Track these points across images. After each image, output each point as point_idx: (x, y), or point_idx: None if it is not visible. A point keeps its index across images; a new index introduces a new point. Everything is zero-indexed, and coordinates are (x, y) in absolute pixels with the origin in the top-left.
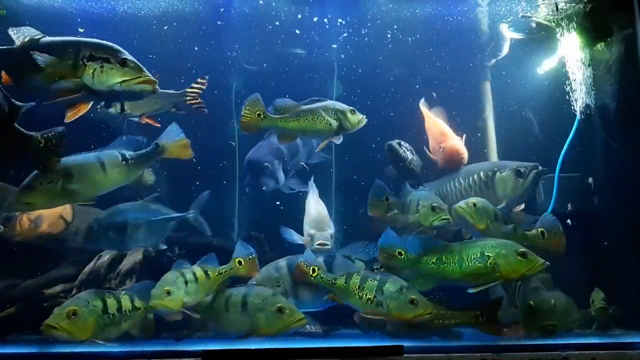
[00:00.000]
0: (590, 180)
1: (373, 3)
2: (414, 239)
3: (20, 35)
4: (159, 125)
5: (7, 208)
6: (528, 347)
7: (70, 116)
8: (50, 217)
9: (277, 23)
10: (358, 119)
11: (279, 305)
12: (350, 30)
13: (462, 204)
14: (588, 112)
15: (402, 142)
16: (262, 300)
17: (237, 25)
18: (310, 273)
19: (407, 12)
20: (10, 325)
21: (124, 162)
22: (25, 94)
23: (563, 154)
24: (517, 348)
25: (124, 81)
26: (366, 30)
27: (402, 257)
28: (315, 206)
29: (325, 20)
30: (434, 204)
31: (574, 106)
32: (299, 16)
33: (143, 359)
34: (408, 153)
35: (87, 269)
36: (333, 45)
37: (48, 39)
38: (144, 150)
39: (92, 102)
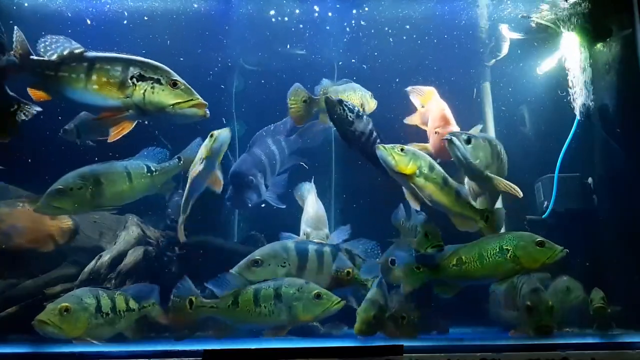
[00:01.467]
0: (590, 180)
1: (373, 3)
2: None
3: (58, 46)
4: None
5: (34, 210)
6: (528, 347)
7: (114, 135)
8: (33, 231)
9: (278, 20)
10: (374, 103)
11: (316, 291)
12: (350, 30)
13: (388, 145)
14: (588, 112)
15: (344, 101)
16: (297, 290)
17: (237, 25)
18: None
19: (407, 11)
20: (10, 325)
21: (149, 174)
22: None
23: (563, 154)
24: (517, 348)
25: (176, 104)
26: (366, 30)
27: (421, 270)
28: (312, 205)
29: (325, 20)
30: (427, 230)
31: (573, 106)
32: (299, 16)
33: (143, 359)
34: (349, 114)
35: (87, 268)
36: (333, 45)
37: (92, 53)
38: (167, 164)
39: (136, 121)
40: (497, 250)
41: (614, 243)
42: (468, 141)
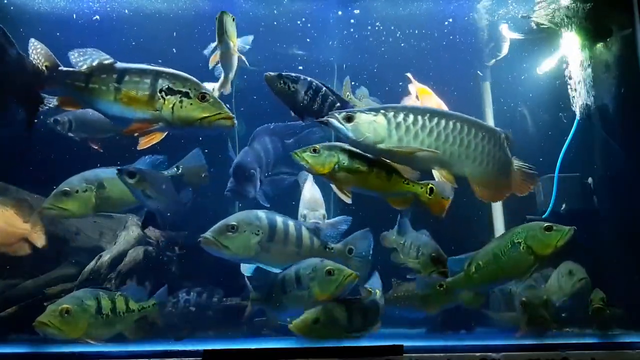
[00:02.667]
0: (590, 180)
1: (373, 2)
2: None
3: (87, 58)
4: (101, 150)
5: (39, 212)
6: (528, 347)
7: (143, 144)
8: (4, 234)
9: (278, 20)
10: None
11: (327, 268)
12: (350, 30)
13: (299, 150)
14: (588, 112)
15: (284, 73)
16: (312, 270)
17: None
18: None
19: (406, 11)
20: (10, 325)
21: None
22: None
23: (563, 154)
24: (517, 348)
25: (204, 118)
26: (365, 30)
27: (442, 287)
28: (309, 189)
29: (326, 20)
30: (434, 255)
31: (573, 106)
32: (299, 15)
33: (143, 359)
34: (291, 84)
35: (87, 268)
36: (334, 45)
37: (122, 65)
38: (167, 172)
39: (166, 132)
40: (510, 246)
41: (614, 243)
42: (349, 119)
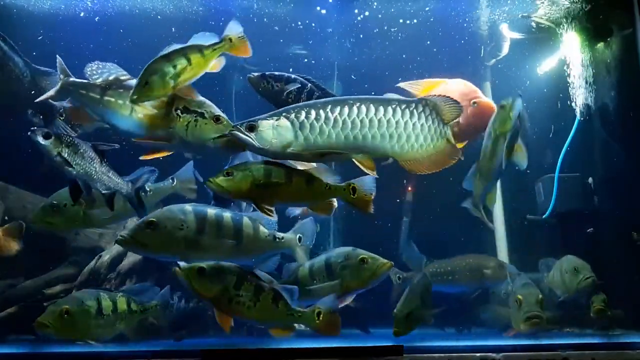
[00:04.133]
0: (590, 180)
1: (373, 3)
2: None
3: (105, 72)
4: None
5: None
6: (528, 347)
7: (147, 156)
8: None
9: (279, 19)
10: None
11: (361, 256)
12: (351, 30)
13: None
14: (588, 112)
15: (267, 73)
16: (344, 258)
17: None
18: None
19: (407, 11)
20: (10, 325)
21: (143, 194)
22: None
23: (563, 154)
24: (517, 348)
25: (217, 138)
26: (366, 30)
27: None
28: None
29: (327, 20)
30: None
31: (574, 106)
32: (300, 15)
33: (143, 359)
34: (274, 83)
35: (87, 269)
36: (334, 45)
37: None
38: (161, 184)
39: (174, 150)
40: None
41: (614, 243)
42: (251, 128)
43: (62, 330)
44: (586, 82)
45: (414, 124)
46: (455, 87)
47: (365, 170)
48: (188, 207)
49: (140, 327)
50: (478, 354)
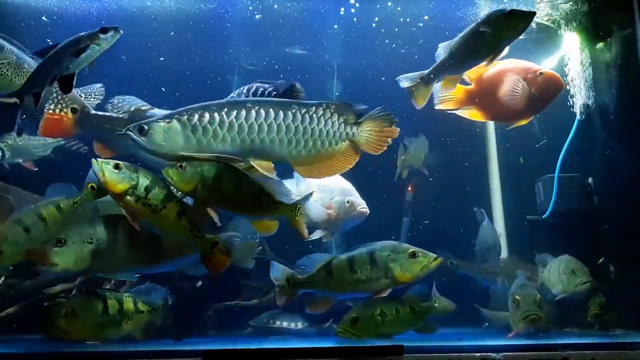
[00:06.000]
0: (590, 180)
1: (373, 3)
2: None
3: (125, 104)
4: (36, 169)
5: None
6: (528, 347)
7: None
8: None
9: (279, 19)
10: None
11: (411, 250)
12: (351, 30)
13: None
14: (588, 112)
15: (260, 83)
16: (391, 251)
17: (237, 25)
18: (289, 286)
19: (407, 10)
20: (11, 325)
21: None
22: None
23: (563, 154)
24: (517, 348)
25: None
26: (367, 30)
27: None
28: (334, 178)
29: (327, 19)
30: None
31: (573, 106)
32: (300, 15)
33: (143, 359)
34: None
35: None
36: (334, 45)
37: (158, 110)
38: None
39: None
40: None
41: (614, 243)
42: (141, 130)
43: (67, 331)
44: (586, 82)
45: (312, 129)
46: (516, 64)
47: (264, 173)
48: (98, 218)
49: (148, 326)
50: (478, 354)
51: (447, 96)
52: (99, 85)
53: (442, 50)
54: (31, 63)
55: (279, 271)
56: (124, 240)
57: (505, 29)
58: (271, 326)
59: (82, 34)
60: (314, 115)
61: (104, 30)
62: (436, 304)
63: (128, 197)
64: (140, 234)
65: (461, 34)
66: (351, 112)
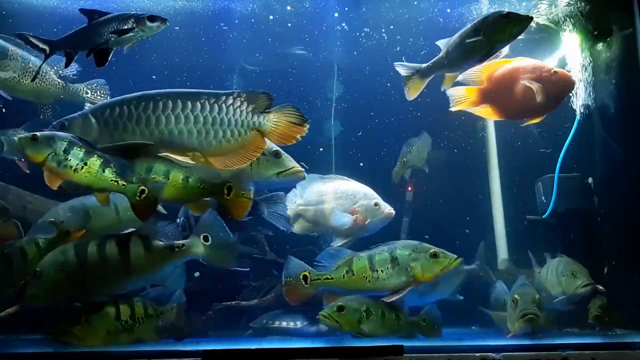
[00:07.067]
0: (590, 180)
1: (373, 2)
2: None
3: None
4: (28, 171)
5: None
6: (528, 347)
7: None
8: None
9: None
10: None
11: (432, 250)
12: (350, 30)
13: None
14: (588, 112)
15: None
16: (412, 251)
17: (237, 25)
18: (304, 283)
19: (406, 10)
20: (11, 325)
21: None
22: None
23: (563, 154)
24: (517, 348)
25: (279, 172)
26: (365, 30)
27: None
28: (349, 182)
29: (327, 19)
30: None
31: (574, 106)
32: (300, 15)
33: (143, 359)
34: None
35: None
36: (334, 45)
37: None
38: None
39: None
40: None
41: (614, 243)
42: (61, 127)
43: (81, 337)
44: (586, 82)
45: (221, 119)
46: (529, 62)
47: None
48: (69, 245)
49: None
50: (478, 354)
51: (462, 98)
52: (102, 81)
53: (441, 47)
54: (36, 62)
55: (296, 267)
56: (94, 263)
57: (500, 32)
58: (271, 326)
59: (130, 13)
60: (223, 105)
61: (152, 19)
62: (423, 323)
63: (50, 164)
64: (108, 254)
65: (458, 33)
66: (261, 100)
